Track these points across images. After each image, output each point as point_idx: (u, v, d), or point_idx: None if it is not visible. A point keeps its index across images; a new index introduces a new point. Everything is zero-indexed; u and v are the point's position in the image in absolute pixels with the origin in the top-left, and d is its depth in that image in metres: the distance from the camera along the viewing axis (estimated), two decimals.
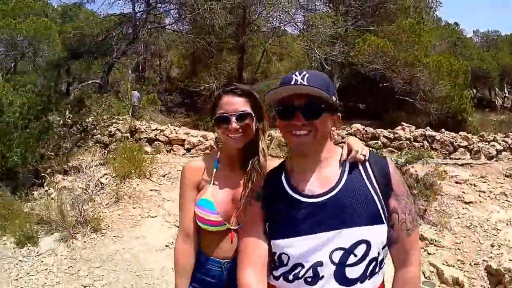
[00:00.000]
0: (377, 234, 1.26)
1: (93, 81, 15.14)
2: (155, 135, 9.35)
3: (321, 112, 1.28)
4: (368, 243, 1.24)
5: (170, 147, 9.09)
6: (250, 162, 1.66)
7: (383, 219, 1.28)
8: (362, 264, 1.24)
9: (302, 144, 1.29)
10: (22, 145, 6.45)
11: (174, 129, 9.58)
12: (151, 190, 6.43)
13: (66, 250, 4.80)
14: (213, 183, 1.70)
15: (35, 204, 5.81)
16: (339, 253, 1.23)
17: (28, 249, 4.86)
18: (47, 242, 4.96)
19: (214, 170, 1.73)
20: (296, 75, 1.28)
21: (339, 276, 1.24)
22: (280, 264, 1.31)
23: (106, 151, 8.32)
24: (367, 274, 1.25)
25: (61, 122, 7.92)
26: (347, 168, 1.36)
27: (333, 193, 1.29)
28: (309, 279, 1.25)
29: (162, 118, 11.01)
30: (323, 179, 1.33)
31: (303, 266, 1.26)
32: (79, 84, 15.30)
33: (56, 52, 15.98)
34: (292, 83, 1.26)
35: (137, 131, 9.60)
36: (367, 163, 1.37)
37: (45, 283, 4.18)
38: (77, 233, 5.06)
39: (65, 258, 4.66)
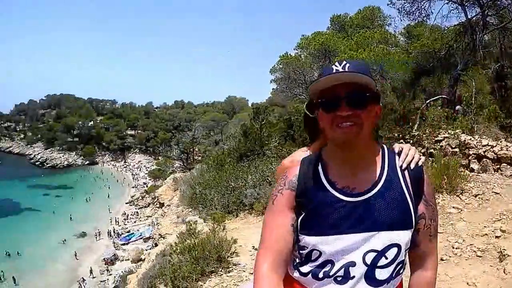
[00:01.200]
0: (407, 238, 1.28)
1: (440, 96, 15.03)
2: (484, 152, 8.53)
3: (367, 101, 1.23)
4: (399, 247, 1.26)
5: (498, 166, 8.09)
6: None
7: (413, 223, 1.30)
8: (391, 266, 1.27)
9: (348, 136, 1.23)
10: None
11: (506, 145, 8.44)
12: (453, 207, 6.04)
13: None
14: None
15: None
16: (372, 255, 1.25)
17: None
18: None
19: None
20: (336, 65, 1.22)
21: (369, 277, 1.26)
22: (307, 260, 1.31)
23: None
24: (393, 275, 1.29)
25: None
26: (386, 168, 1.34)
27: (372, 193, 1.28)
28: (339, 278, 1.26)
29: (496, 132, 9.79)
30: (362, 177, 1.31)
31: (333, 264, 1.27)
32: (427, 100, 15.48)
33: (401, 73, 16.89)
34: (334, 72, 1.20)
35: (467, 145, 9.05)
36: (407, 172, 1.36)
37: None
38: None
39: None
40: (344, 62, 1.22)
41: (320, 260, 1.28)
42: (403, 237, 1.27)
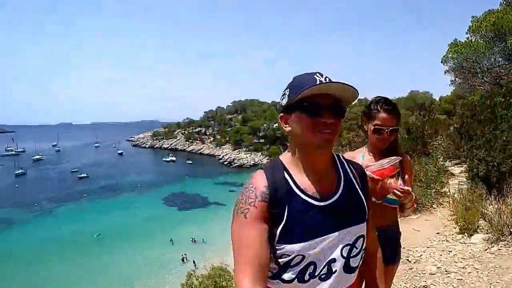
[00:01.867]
0: (365, 228, 1.49)
1: None
2: None
3: (344, 112, 1.39)
4: (364, 237, 1.48)
5: None
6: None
7: (366, 216, 1.51)
8: (360, 254, 1.47)
9: (328, 142, 1.36)
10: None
11: None
12: None
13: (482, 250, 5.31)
14: None
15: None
16: (347, 248, 1.42)
17: (462, 237, 6.00)
18: (477, 238, 5.73)
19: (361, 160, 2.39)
20: (318, 76, 1.35)
21: (346, 266, 1.43)
22: (287, 267, 1.36)
23: None
24: (360, 261, 1.50)
25: None
26: (341, 172, 1.51)
27: (337, 196, 1.43)
28: (323, 276, 1.38)
29: None
30: (326, 182, 1.44)
31: (316, 265, 1.36)
32: None
33: None
34: (323, 82, 1.32)
35: None
36: (354, 170, 1.57)
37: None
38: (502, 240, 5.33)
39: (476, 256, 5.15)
40: (325, 75, 1.36)
41: (303, 264, 1.35)
42: (364, 228, 1.48)
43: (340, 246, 1.40)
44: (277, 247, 1.33)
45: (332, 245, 1.38)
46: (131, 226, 42.65)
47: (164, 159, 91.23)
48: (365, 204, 1.51)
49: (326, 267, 1.38)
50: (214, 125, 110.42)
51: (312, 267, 1.36)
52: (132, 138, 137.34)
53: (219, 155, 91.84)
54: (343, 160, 1.58)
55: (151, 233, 40.08)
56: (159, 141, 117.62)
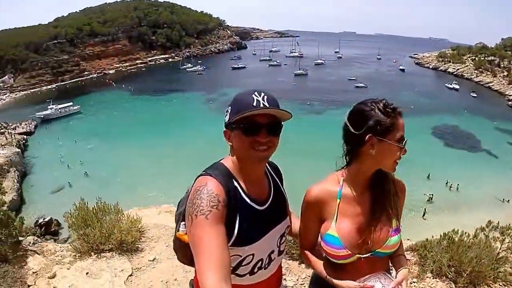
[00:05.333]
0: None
1: None
2: None
3: (281, 130, 1.62)
4: (289, 226, 1.86)
5: None
6: (385, 187, 1.81)
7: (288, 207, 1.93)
8: (285, 240, 1.86)
9: (265, 158, 1.62)
10: None
11: None
12: None
13: None
14: (337, 216, 1.79)
15: None
16: (280, 238, 1.79)
17: None
18: None
19: (338, 200, 1.81)
20: (256, 95, 1.56)
21: (279, 252, 1.80)
22: (239, 265, 1.64)
23: None
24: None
25: None
26: (270, 178, 1.83)
27: (271, 200, 1.75)
28: (266, 266, 1.74)
29: None
30: (263, 188, 1.76)
31: (262, 259, 1.70)
32: None
33: None
34: (261, 106, 1.53)
35: None
36: (273, 172, 1.90)
37: None
38: None
39: None
40: (263, 94, 1.57)
41: (254, 261, 1.67)
42: (289, 220, 1.86)
43: (277, 238, 1.76)
44: (230, 249, 1.50)
45: (271, 239, 1.72)
46: None
47: (446, 84, 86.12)
48: (287, 199, 1.90)
49: (268, 258, 1.73)
50: None
51: (260, 262, 1.69)
52: (416, 56, 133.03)
53: (510, 96, 76.38)
54: (267, 164, 1.84)
55: (409, 160, 38.10)
56: (444, 64, 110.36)
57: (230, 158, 1.70)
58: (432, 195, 32.55)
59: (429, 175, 36.78)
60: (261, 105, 1.53)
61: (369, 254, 1.76)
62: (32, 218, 26.34)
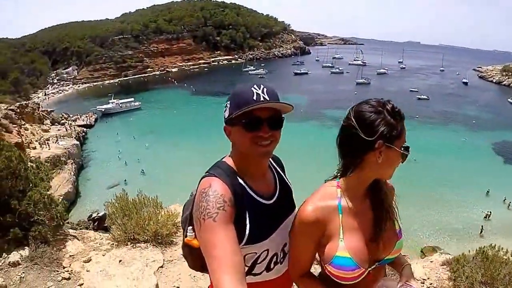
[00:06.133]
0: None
1: None
2: None
3: (282, 123, 1.60)
4: (295, 217, 1.68)
5: None
6: (381, 191, 1.67)
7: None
8: None
9: (268, 153, 1.60)
10: None
11: None
12: None
13: None
14: (343, 234, 1.59)
15: None
16: (289, 231, 1.71)
17: None
18: None
19: (340, 216, 1.60)
20: (255, 88, 1.52)
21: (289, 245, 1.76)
22: (255, 264, 1.63)
23: None
24: None
25: None
26: (274, 172, 1.81)
27: (277, 191, 1.74)
28: (282, 260, 1.72)
29: None
30: (268, 183, 1.74)
31: (277, 254, 1.69)
32: None
33: None
34: (262, 99, 1.50)
35: None
36: (275, 164, 1.88)
37: None
38: None
39: None
40: (262, 86, 1.54)
41: (269, 257, 1.65)
42: (295, 212, 1.75)
43: (288, 231, 1.70)
44: (244, 248, 1.52)
45: (283, 232, 1.70)
46: (447, 158, 43.75)
47: (509, 100, 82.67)
48: (292, 189, 1.88)
49: (282, 252, 1.72)
50: None
51: (275, 257, 1.68)
52: (480, 69, 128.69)
53: None
54: (270, 159, 1.80)
55: (469, 175, 38.84)
56: (508, 78, 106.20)
57: (232, 155, 1.68)
58: (490, 212, 31.02)
59: (488, 192, 35.39)
60: (262, 99, 1.50)
61: (377, 264, 1.65)
62: (86, 212, 27.18)
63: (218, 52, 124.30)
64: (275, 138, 1.57)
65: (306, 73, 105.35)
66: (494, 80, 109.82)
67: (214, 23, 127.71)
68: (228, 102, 1.59)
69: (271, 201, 1.67)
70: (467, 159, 44.39)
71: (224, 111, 1.61)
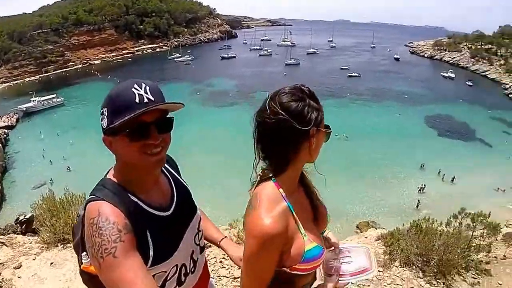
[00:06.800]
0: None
1: None
2: None
3: (172, 124, 1.44)
4: (200, 217, 1.75)
5: None
6: (305, 176, 1.69)
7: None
8: (202, 231, 1.77)
9: (161, 161, 1.43)
10: None
11: None
12: None
13: None
14: (303, 228, 1.54)
15: None
16: (196, 235, 1.69)
17: None
18: None
19: (293, 214, 1.52)
20: (137, 89, 1.32)
21: (200, 249, 1.72)
22: (166, 280, 1.50)
23: None
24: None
25: None
26: (167, 172, 1.68)
27: (175, 198, 1.61)
28: (192, 269, 1.65)
29: None
30: (164, 189, 1.59)
31: (185, 264, 1.60)
32: None
33: None
34: (146, 101, 1.31)
35: None
36: (167, 165, 1.71)
37: None
38: None
39: None
40: (144, 85, 1.34)
41: (178, 271, 1.55)
42: (198, 211, 1.75)
43: (193, 237, 1.66)
44: (152, 270, 1.39)
45: (189, 241, 1.62)
46: (381, 134, 45.16)
47: (441, 73, 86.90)
48: (190, 190, 1.76)
49: (191, 260, 1.64)
50: (510, 45, 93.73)
51: (183, 268, 1.58)
52: (411, 44, 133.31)
53: (506, 84, 76.77)
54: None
55: (403, 150, 40.88)
56: (440, 52, 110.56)
57: (118, 169, 1.47)
58: (425, 185, 32.88)
59: (422, 165, 37.27)
60: (146, 100, 1.32)
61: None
62: (14, 215, 26.03)
63: (142, 41, 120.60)
64: (166, 143, 1.41)
65: (234, 57, 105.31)
66: (425, 55, 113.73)
67: (136, 11, 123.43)
68: (105, 109, 1.37)
69: (170, 211, 1.53)
70: (401, 134, 46.18)
71: (101, 120, 1.39)
